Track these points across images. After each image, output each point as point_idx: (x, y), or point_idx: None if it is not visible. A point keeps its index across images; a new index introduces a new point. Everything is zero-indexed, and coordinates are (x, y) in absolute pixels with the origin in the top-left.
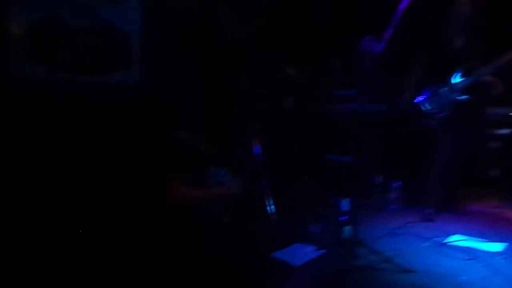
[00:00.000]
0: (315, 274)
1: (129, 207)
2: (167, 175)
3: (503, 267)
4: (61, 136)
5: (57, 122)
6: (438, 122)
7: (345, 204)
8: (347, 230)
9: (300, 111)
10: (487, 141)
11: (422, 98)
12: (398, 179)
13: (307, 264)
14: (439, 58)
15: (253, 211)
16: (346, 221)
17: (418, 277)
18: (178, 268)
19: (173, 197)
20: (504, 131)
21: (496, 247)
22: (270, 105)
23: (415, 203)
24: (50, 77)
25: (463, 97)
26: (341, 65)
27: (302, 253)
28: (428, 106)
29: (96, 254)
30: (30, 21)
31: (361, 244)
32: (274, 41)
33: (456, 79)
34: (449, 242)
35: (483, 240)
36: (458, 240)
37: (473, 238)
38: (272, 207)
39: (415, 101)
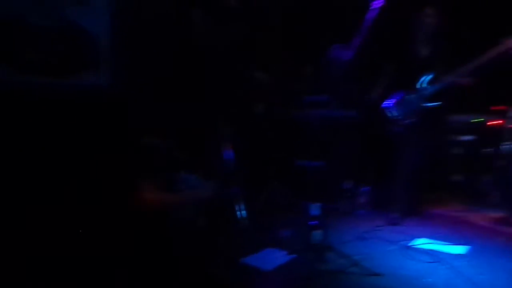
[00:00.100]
0: (285, 279)
1: (99, 212)
2: (138, 180)
3: (466, 269)
4: (26, 140)
5: (22, 126)
6: (404, 128)
7: (314, 208)
8: (317, 234)
9: (271, 116)
10: (450, 147)
11: (390, 104)
12: (367, 184)
13: (277, 269)
14: (406, 66)
15: (224, 216)
16: (316, 226)
17: (385, 280)
18: (148, 273)
19: (144, 202)
20: (467, 137)
21: (459, 250)
22: (241, 110)
23: (382, 207)
24: (14, 79)
25: (429, 104)
26: (312, 71)
27: (273, 258)
28: (395, 113)
29: (66, 260)
30: None
31: (330, 248)
32: (246, 46)
33: (422, 86)
34: (414, 245)
35: (447, 243)
36: (423, 243)
37: (437, 241)
38: (243, 212)
39: (383, 107)
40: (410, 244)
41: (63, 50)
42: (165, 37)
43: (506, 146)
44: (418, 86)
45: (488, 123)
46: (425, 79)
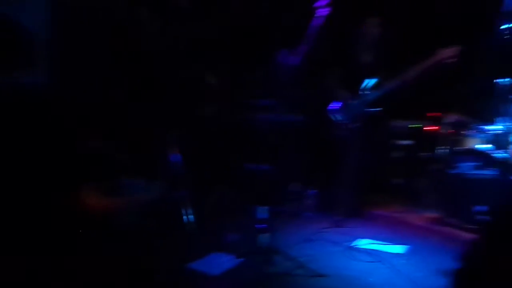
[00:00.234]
0: (232, 284)
1: (37, 217)
2: (78, 185)
3: (405, 268)
4: None
5: None
6: (349, 132)
7: (262, 212)
8: (264, 237)
9: (220, 119)
10: (391, 151)
11: (335, 109)
12: (314, 187)
13: (224, 273)
14: (351, 72)
15: (170, 220)
16: (264, 229)
17: (329, 281)
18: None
19: (84, 207)
20: (406, 142)
21: (399, 249)
22: (189, 113)
23: (328, 209)
24: None
25: (371, 109)
26: (260, 76)
27: (220, 263)
28: (339, 117)
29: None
30: None
31: (277, 251)
32: (195, 47)
33: (365, 92)
34: (357, 246)
35: (387, 243)
36: (365, 244)
37: (378, 241)
38: (190, 216)
39: (328, 112)
40: (353, 245)
41: None
42: (108, 34)
43: (441, 150)
44: (361, 92)
45: (425, 129)
46: (368, 85)
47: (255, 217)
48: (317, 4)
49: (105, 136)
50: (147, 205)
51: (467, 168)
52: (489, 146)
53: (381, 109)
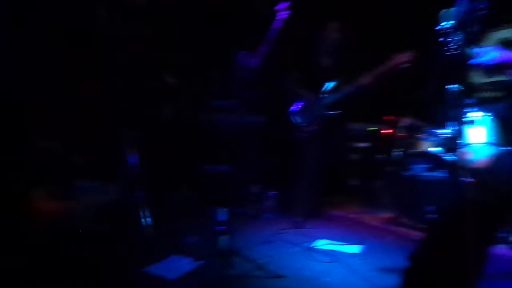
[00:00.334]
0: (190, 287)
1: None
2: (28, 188)
3: (360, 267)
4: None
5: None
6: (307, 134)
7: (221, 213)
8: (224, 239)
9: (179, 120)
10: (348, 153)
11: (294, 111)
12: (273, 188)
13: (182, 277)
14: (310, 76)
15: (126, 223)
16: (223, 231)
17: (287, 282)
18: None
19: (35, 211)
20: (363, 144)
21: (355, 249)
22: (148, 113)
23: (287, 211)
24: None
25: (330, 112)
26: (220, 76)
27: (178, 266)
28: (299, 119)
29: None
30: None
31: (237, 253)
32: (155, 48)
33: (324, 95)
34: (315, 246)
35: (344, 243)
36: (323, 244)
37: (335, 241)
38: (148, 218)
39: (288, 114)
40: (311, 246)
41: None
42: (60, 31)
43: (396, 153)
44: (320, 95)
45: (381, 132)
46: (327, 88)
47: (214, 219)
48: (277, 7)
49: (57, 137)
50: (102, 208)
51: (419, 170)
52: (440, 149)
53: (339, 112)
